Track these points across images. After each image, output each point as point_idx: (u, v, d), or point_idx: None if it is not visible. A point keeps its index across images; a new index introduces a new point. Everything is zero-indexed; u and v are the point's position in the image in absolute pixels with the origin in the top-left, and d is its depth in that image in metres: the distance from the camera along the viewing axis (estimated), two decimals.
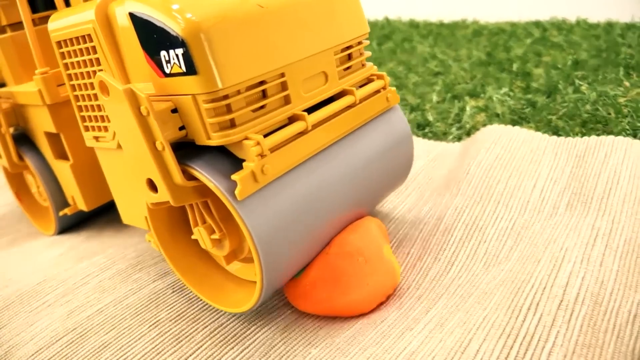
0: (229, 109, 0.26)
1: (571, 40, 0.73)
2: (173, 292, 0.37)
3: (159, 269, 0.41)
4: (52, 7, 0.45)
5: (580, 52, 0.68)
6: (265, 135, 0.28)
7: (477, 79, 0.66)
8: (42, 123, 0.42)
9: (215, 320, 0.34)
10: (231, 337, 0.32)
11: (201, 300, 0.36)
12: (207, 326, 0.33)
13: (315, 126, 0.30)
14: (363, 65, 0.35)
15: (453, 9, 0.99)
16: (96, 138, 0.34)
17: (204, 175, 0.27)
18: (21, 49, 0.43)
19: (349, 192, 0.32)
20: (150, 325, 0.34)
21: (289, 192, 0.28)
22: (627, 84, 0.56)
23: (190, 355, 0.31)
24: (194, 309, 0.35)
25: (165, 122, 0.26)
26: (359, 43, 0.34)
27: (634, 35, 0.69)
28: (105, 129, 0.33)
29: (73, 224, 0.49)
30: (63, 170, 0.43)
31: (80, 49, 0.31)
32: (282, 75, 0.28)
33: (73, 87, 0.33)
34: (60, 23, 0.31)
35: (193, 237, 0.30)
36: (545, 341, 0.25)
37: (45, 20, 0.44)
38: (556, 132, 0.50)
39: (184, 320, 0.34)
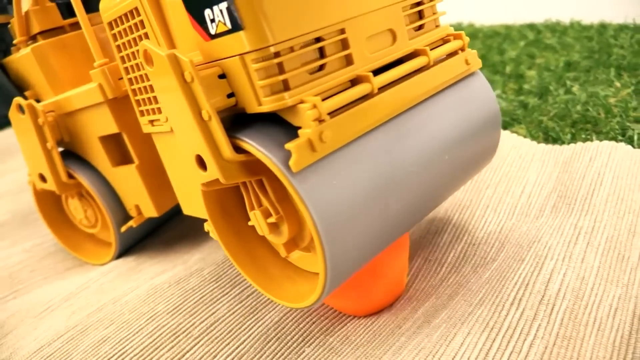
0: (281, 69, 0.24)
1: (564, 42, 0.74)
2: (169, 286, 0.38)
3: (158, 267, 0.42)
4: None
5: (572, 54, 0.69)
6: (324, 99, 0.24)
7: None
8: (97, 127, 0.39)
9: (212, 314, 0.35)
10: (227, 332, 0.33)
11: (197, 293, 0.37)
12: (203, 321, 0.34)
13: (382, 90, 0.26)
14: (437, 25, 0.31)
15: (450, 12, 1.00)
16: (151, 122, 0.31)
17: (254, 146, 0.24)
18: (59, 56, 0.40)
19: (428, 170, 0.28)
20: (148, 319, 0.35)
21: (356, 166, 0.24)
22: (617, 84, 0.57)
23: (188, 352, 0.32)
24: (190, 302, 0.36)
25: (212, 88, 0.24)
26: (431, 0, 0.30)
27: (626, 36, 0.70)
28: (159, 110, 0.30)
29: (132, 246, 0.45)
30: (125, 177, 0.40)
31: (130, 27, 0.29)
32: (343, 31, 0.25)
33: (127, 70, 0.31)
34: (109, 3, 0.30)
35: (250, 223, 0.28)
36: (526, 334, 0.26)
37: (77, 27, 0.42)
38: (546, 132, 0.51)
39: (180, 314, 0.35)
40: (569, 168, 0.42)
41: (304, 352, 0.30)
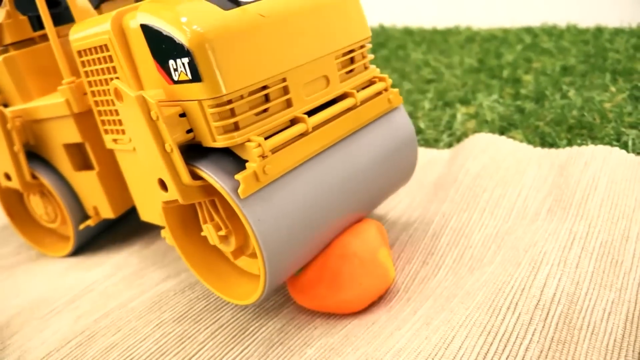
0: (232, 113, 0.28)
1: (561, 46, 0.75)
2: (175, 294, 0.39)
3: (161, 273, 0.43)
4: (57, 23, 0.46)
5: (569, 58, 0.70)
6: (267, 138, 0.29)
7: (469, 85, 0.68)
8: (62, 135, 0.43)
9: (217, 321, 0.36)
10: (231, 337, 0.34)
11: (202, 301, 0.38)
12: (208, 327, 0.35)
13: (316, 128, 0.32)
14: (366, 67, 0.36)
15: (447, 15, 1.01)
16: (115, 140, 0.36)
17: (210, 175, 0.29)
18: (28, 66, 0.43)
19: (350, 192, 0.33)
20: (154, 327, 0.36)
21: (291, 191, 0.30)
22: (613, 89, 0.58)
23: (194, 356, 0.33)
24: (195, 309, 0.37)
25: (174, 125, 0.28)
26: (361, 47, 0.35)
27: (621, 40, 0.71)
28: (123, 131, 0.35)
29: (87, 241, 0.49)
30: (85, 181, 0.44)
31: (99, 58, 0.33)
32: (284, 79, 0.30)
33: (93, 93, 0.36)
34: (80, 34, 0.34)
35: (202, 233, 0.32)
36: (522, 338, 0.27)
37: (45, 39, 0.45)
38: (543, 137, 0.51)
39: (186, 321, 0.36)
40: (564, 172, 0.43)
41: (305, 353, 0.31)
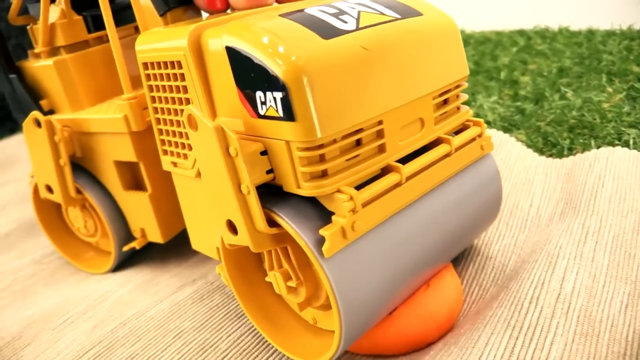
0: (322, 159, 0.25)
1: (555, 48, 0.77)
2: (193, 302, 0.39)
3: (176, 281, 0.43)
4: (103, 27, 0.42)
5: (564, 60, 0.71)
6: (358, 187, 0.26)
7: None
8: (114, 152, 0.39)
9: (238, 329, 0.36)
10: (255, 344, 0.34)
11: (222, 309, 0.38)
12: (230, 335, 0.35)
13: (408, 178, 0.28)
14: (458, 109, 0.32)
15: None
16: (174, 163, 0.33)
17: (291, 225, 0.25)
18: (80, 71, 0.40)
19: (435, 246, 0.30)
20: (175, 336, 0.36)
21: (375, 247, 0.27)
22: (609, 89, 0.60)
23: None
24: (215, 318, 0.37)
25: (254, 165, 0.25)
26: (457, 86, 0.31)
27: (614, 42, 0.73)
28: (185, 156, 0.32)
29: (127, 259, 0.46)
30: (134, 202, 0.41)
31: (168, 74, 0.30)
32: (380, 122, 0.26)
33: (155, 109, 0.32)
34: (149, 45, 0.30)
35: (267, 279, 0.29)
36: (547, 331, 0.27)
37: (99, 41, 0.42)
38: (545, 137, 0.52)
39: (207, 329, 0.36)
40: (571, 178, 0.44)
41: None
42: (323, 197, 0.26)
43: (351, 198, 0.25)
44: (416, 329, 0.31)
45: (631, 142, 0.47)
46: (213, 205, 0.27)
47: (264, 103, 0.24)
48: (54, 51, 0.41)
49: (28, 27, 0.41)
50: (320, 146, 0.24)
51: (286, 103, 0.23)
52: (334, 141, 0.25)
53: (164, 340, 0.36)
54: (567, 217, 0.38)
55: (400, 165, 0.27)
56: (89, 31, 0.41)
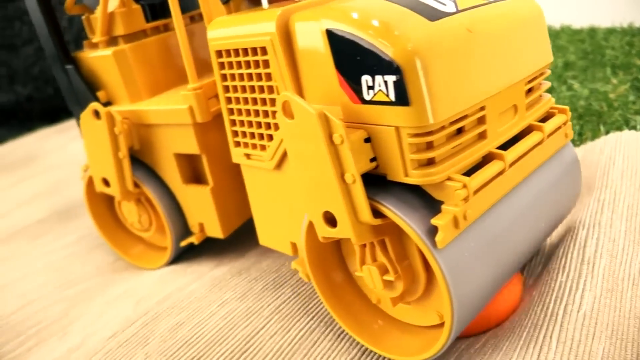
0: (430, 146, 0.24)
1: (558, 45, 0.80)
2: (232, 276, 0.41)
3: (210, 262, 0.44)
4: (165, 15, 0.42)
5: (568, 55, 0.74)
6: (464, 175, 0.25)
7: None
8: (175, 144, 0.38)
9: (278, 297, 0.38)
10: (296, 310, 0.36)
11: (260, 282, 0.40)
12: (271, 303, 0.37)
13: (510, 165, 0.27)
14: (540, 96, 0.31)
15: None
16: (247, 155, 0.32)
17: (399, 215, 0.25)
18: (139, 62, 0.39)
19: (531, 234, 0.30)
20: (219, 305, 0.38)
21: (481, 238, 0.26)
22: (614, 81, 0.63)
23: (262, 328, 0.35)
24: (255, 289, 0.39)
25: (359, 152, 0.24)
26: (541, 74, 0.31)
27: (616, 38, 0.76)
28: (263, 147, 0.31)
29: (181, 253, 0.45)
30: (195, 195, 0.40)
31: (248, 61, 0.29)
32: (482, 108, 0.26)
33: (228, 99, 0.31)
34: (225, 32, 0.30)
35: (358, 274, 0.29)
36: (576, 289, 0.30)
37: (155, 31, 0.42)
38: None
39: (248, 299, 0.38)
40: (584, 165, 0.46)
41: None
42: (430, 185, 0.25)
43: (464, 186, 0.24)
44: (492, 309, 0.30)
45: (638, 127, 0.50)
46: (306, 197, 0.26)
47: (371, 87, 0.24)
48: (112, 41, 0.40)
49: (83, 17, 0.41)
50: (431, 132, 0.24)
51: (400, 87, 0.23)
52: (442, 128, 0.24)
53: (209, 309, 0.38)
54: (583, 196, 0.41)
55: (503, 152, 0.27)
56: (147, 20, 0.41)
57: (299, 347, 0.33)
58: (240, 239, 0.46)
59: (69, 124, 0.93)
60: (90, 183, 0.45)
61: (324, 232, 0.26)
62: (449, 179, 0.24)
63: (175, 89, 0.41)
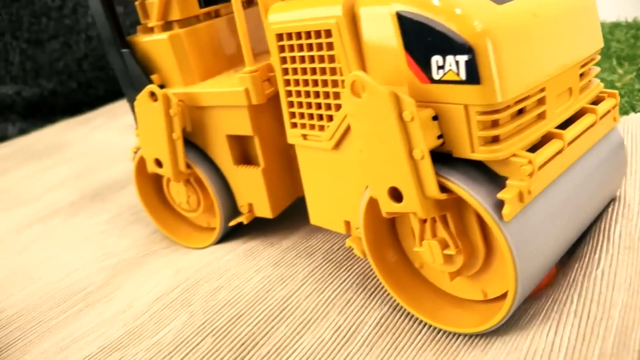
0: (495, 123, 0.26)
1: None
2: (264, 247, 0.44)
3: (241, 237, 0.46)
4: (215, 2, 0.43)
5: None
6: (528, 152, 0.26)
7: None
8: (228, 126, 0.40)
9: (311, 263, 0.40)
10: (328, 274, 0.39)
11: (292, 251, 0.42)
12: (305, 268, 0.40)
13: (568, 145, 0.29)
14: (589, 81, 0.33)
15: None
16: (304, 136, 0.33)
17: (466, 190, 0.26)
18: (192, 46, 0.40)
19: (584, 213, 0.32)
20: (254, 271, 0.41)
21: (541, 212, 0.28)
22: (620, 71, 0.65)
23: (298, 290, 0.38)
24: (288, 257, 0.42)
25: (427, 129, 0.26)
26: (592, 59, 0.32)
27: (621, 32, 0.79)
28: (321, 127, 0.32)
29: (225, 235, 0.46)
30: (245, 176, 0.41)
31: (310, 44, 0.30)
32: (543, 90, 0.27)
33: (287, 81, 0.33)
34: (286, 15, 0.31)
35: (416, 249, 0.30)
36: (594, 251, 0.32)
37: (207, 16, 0.42)
38: None
39: (282, 266, 0.41)
40: None
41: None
42: (494, 162, 0.26)
43: (530, 162, 0.25)
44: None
45: None
46: (371, 174, 0.28)
47: (441, 67, 0.25)
48: (166, 26, 0.41)
49: (137, 2, 0.42)
50: (498, 111, 0.25)
51: (471, 66, 0.24)
52: (507, 107, 0.26)
53: (245, 275, 0.40)
54: None
55: (562, 131, 0.28)
56: (200, 6, 0.42)
57: (333, 305, 0.36)
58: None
59: (90, 116, 0.96)
60: (139, 164, 0.46)
61: (389, 207, 0.28)
62: (514, 155, 0.26)
63: (225, 74, 0.42)
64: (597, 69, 0.33)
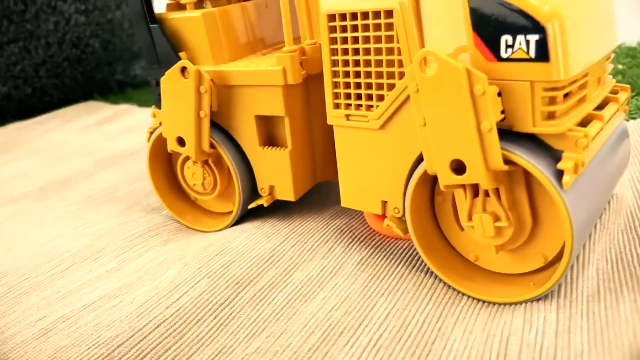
0: (553, 101, 0.28)
1: None
2: (250, 219, 0.44)
3: (254, 218, 0.45)
4: None
5: None
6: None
7: None
8: (259, 106, 0.39)
9: (291, 224, 0.42)
10: (309, 230, 0.41)
11: (274, 216, 0.43)
12: (286, 227, 0.42)
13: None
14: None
15: None
16: (347, 116, 0.34)
17: (530, 162, 0.28)
18: (224, 25, 0.41)
19: (611, 182, 0.35)
20: (240, 232, 0.41)
21: (587, 181, 0.30)
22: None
23: (282, 242, 0.39)
24: (270, 220, 0.43)
25: (493, 104, 0.27)
26: (607, 57, 0.34)
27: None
28: (368, 107, 0.33)
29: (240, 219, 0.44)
30: (269, 158, 0.40)
31: (366, 25, 0.31)
32: (586, 75, 0.29)
33: (334, 62, 0.33)
34: None
35: (466, 224, 0.31)
36: (605, 228, 0.35)
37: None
38: None
39: (265, 227, 0.42)
40: None
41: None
42: (550, 136, 0.28)
43: (586, 135, 0.27)
44: None
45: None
46: (432, 148, 0.29)
47: (510, 46, 0.27)
48: (199, 4, 0.41)
49: None
50: (558, 88, 0.27)
51: (541, 45, 0.26)
52: (565, 86, 0.28)
53: (232, 235, 0.41)
54: None
55: (602, 113, 0.30)
56: None
57: (317, 252, 0.38)
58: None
59: (43, 118, 0.94)
60: (154, 146, 0.44)
61: (449, 180, 0.29)
62: (570, 130, 0.28)
63: (254, 55, 0.42)
64: (611, 66, 0.35)
